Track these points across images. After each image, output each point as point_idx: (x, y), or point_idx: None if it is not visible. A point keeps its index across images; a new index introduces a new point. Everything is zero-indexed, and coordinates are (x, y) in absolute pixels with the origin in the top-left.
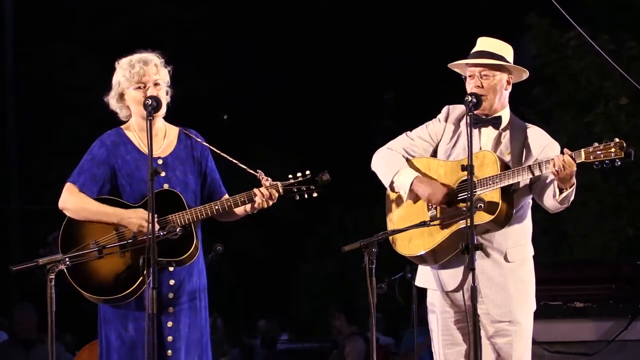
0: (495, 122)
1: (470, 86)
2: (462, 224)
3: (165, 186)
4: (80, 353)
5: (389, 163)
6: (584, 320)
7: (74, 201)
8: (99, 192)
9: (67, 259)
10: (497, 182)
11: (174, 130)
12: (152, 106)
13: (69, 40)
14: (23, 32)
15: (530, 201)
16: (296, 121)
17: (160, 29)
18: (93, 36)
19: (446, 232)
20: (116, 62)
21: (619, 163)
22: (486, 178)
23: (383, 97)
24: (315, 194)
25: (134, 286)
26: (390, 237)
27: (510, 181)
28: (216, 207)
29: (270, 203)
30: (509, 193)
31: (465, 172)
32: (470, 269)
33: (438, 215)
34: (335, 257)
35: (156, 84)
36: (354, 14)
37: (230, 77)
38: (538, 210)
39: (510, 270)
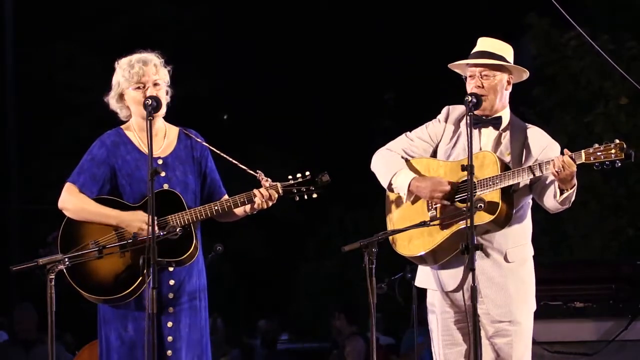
0: (496, 122)
1: (470, 86)
2: (462, 225)
3: (165, 186)
4: (80, 353)
5: (388, 164)
6: (584, 320)
7: (73, 202)
8: (99, 192)
9: (66, 259)
10: (497, 183)
11: (174, 130)
12: (152, 106)
13: (69, 40)
14: (23, 32)
15: (531, 201)
16: (296, 121)
17: (160, 29)
18: (93, 36)
19: (446, 233)
20: (116, 63)
21: (619, 164)
22: (486, 179)
23: (383, 97)
24: (314, 195)
25: (134, 286)
26: (390, 238)
27: (511, 182)
28: (216, 208)
29: (270, 204)
30: (509, 193)
31: (465, 173)
32: (470, 269)
33: (438, 216)
34: (335, 257)
35: (156, 84)
36: (354, 14)
37: (230, 77)
38: (538, 211)
39: (510, 270)
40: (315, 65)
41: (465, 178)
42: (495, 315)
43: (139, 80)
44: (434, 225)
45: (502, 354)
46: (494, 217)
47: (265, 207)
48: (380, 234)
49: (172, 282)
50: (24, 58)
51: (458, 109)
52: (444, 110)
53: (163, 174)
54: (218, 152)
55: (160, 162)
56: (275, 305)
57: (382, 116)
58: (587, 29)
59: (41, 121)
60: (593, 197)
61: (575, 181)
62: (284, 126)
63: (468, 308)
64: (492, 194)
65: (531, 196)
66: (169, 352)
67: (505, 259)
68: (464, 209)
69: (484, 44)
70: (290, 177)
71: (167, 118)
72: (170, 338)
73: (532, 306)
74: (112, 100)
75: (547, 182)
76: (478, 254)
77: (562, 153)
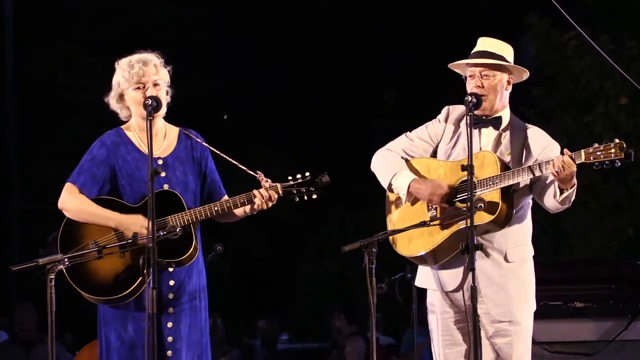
0: (496, 122)
1: (470, 86)
2: (462, 225)
3: (165, 187)
4: (80, 353)
5: (388, 164)
6: (584, 320)
7: (73, 202)
8: (99, 192)
9: (66, 259)
10: (497, 183)
11: (174, 131)
12: (152, 106)
13: (69, 40)
14: (23, 32)
15: (531, 201)
16: (296, 121)
17: (160, 29)
18: (93, 36)
19: (446, 233)
20: (116, 63)
21: (619, 164)
22: (486, 178)
23: (383, 97)
24: (314, 196)
25: (134, 286)
26: (391, 238)
27: (511, 182)
28: (215, 209)
29: (270, 205)
30: (509, 193)
31: (465, 173)
32: (470, 269)
33: (438, 216)
34: (335, 257)
35: (155, 84)
36: (354, 14)
37: (230, 77)
38: (538, 210)
39: (510, 270)
40: (315, 65)
41: (465, 178)
42: (495, 315)
43: (139, 80)
44: (434, 225)
45: (502, 354)
46: (494, 217)
47: (265, 208)
48: (380, 234)
49: (172, 282)
50: (24, 58)
51: (458, 109)
52: (444, 110)
53: (163, 174)
54: (218, 152)
55: (160, 162)
56: (275, 305)
57: (382, 116)
58: (587, 29)
59: (41, 121)
60: (593, 197)
61: (575, 181)
62: (284, 126)
63: (468, 308)
64: (492, 194)
65: (531, 196)
66: (169, 353)
67: (506, 259)
68: (464, 209)
69: (484, 44)
70: (290, 177)
71: (167, 118)
72: (170, 338)
73: (532, 306)
74: (112, 101)
75: (547, 182)
76: (478, 254)
77: (562, 153)
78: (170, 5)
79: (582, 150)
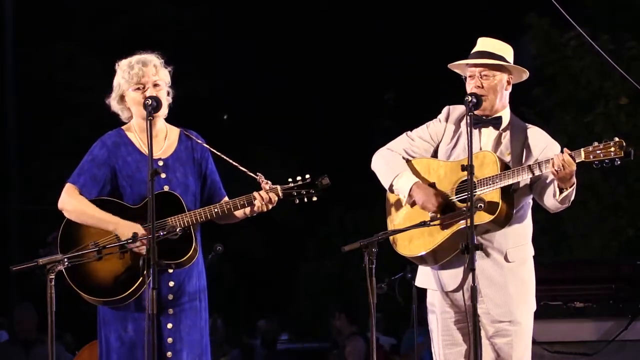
0: (496, 122)
1: (470, 86)
2: (462, 224)
3: (166, 188)
4: (80, 353)
5: (389, 165)
6: (584, 320)
7: (73, 203)
8: (99, 193)
9: (66, 260)
10: (497, 182)
11: (174, 132)
12: (152, 106)
13: (69, 40)
14: (23, 32)
15: (531, 201)
16: (296, 121)
17: (160, 29)
18: (93, 36)
19: (446, 233)
20: (116, 64)
21: (619, 162)
22: (486, 178)
23: (383, 97)
24: (314, 198)
25: (133, 287)
26: (391, 238)
27: (510, 181)
28: (215, 210)
29: (270, 207)
30: (509, 193)
31: (465, 172)
32: (470, 269)
33: (438, 216)
34: (335, 257)
35: (155, 85)
36: (354, 14)
37: (230, 77)
38: (538, 210)
39: (510, 270)
40: (315, 65)
41: (465, 178)
42: (495, 315)
43: (139, 81)
44: (434, 225)
45: (502, 354)
46: (494, 216)
47: (265, 210)
48: (380, 234)
49: (171, 283)
50: (24, 58)
51: (458, 109)
52: (445, 110)
53: (163, 175)
54: (218, 153)
55: (160, 163)
56: (275, 305)
57: (382, 116)
58: (587, 29)
59: (41, 121)
60: (593, 197)
61: (574, 180)
62: (284, 126)
63: (468, 308)
64: (492, 194)
65: (531, 196)
66: (169, 354)
67: (506, 259)
68: (464, 208)
69: (484, 44)
70: (290, 180)
71: (167, 118)
72: (170, 339)
73: (532, 306)
74: (113, 102)
75: (547, 181)
76: (478, 254)
77: (561, 152)
78: (170, 5)
79: (582, 149)
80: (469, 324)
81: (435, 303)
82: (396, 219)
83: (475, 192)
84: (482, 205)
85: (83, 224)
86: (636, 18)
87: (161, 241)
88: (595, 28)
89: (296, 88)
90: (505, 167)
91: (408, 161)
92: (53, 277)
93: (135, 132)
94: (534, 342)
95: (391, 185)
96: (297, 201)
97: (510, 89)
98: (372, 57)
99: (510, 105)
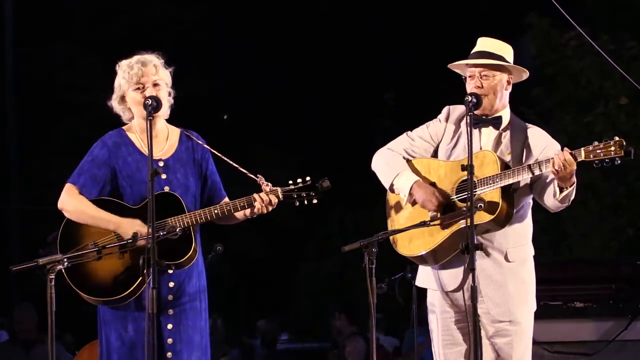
0: (496, 122)
1: (470, 86)
2: (462, 224)
3: (166, 189)
4: (80, 353)
5: (389, 164)
6: (584, 320)
7: (73, 203)
8: (99, 193)
9: (66, 260)
10: (497, 182)
11: (175, 132)
12: (152, 106)
13: (69, 40)
14: (23, 32)
15: (531, 201)
16: (296, 121)
17: (160, 29)
18: (93, 36)
19: (447, 232)
20: (117, 65)
21: (619, 162)
22: (486, 178)
23: (383, 97)
24: (315, 201)
25: (133, 287)
26: (391, 238)
27: (510, 180)
28: (215, 212)
29: (270, 209)
30: (509, 193)
31: (466, 172)
32: (471, 269)
33: (438, 216)
34: (335, 257)
35: (155, 85)
36: (354, 14)
37: (230, 77)
38: (538, 210)
39: (510, 270)
40: (315, 65)
41: (466, 177)
42: (495, 315)
43: (138, 80)
44: (434, 225)
45: (502, 354)
46: (494, 216)
47: (265, 211)
48: (380, 234)
49: (171, 284)
50: (24, 58)
51: (458, 109)
52: (445, 110)
53: (164, 175)
54: (219, 154)
55: (161, 164)
56: (275, 305)
57: (382, 116)
58: (587, 29)
59: (41, 121)
60: (593, 196)
61: (574, 179)
62: (284, 126)
63: (468, 308)
64: (492, 194)
65: (532, 196)
66: (169, 354)
67: (506, 259)
68: (464, 208)
69: (484, 44)
70: (290, 182)
71: (167, 118)
72: (170, 340)
73: (533, 306)
74: (114, 103)
75: (547, 181)
76: (478, 254)
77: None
78: (170, 5)
79: (582, 149)
80: (469, 323)
81: (435, 303)
82: (396, 219)
83: (476, 191)
84: (482, 205)
85: (83, 224)
86: (636, 18)
87: (161, 241)
88: (595, 28)
89: (296, 88)
90: (505, 166)
91: (408, 161)
92: (53, 277)
93: (136, 133)
94: (534, 342)
95: (391, 185)
96: (297, 203)
97: (510, 88)
98: (372, 57)
99: (510, 105)
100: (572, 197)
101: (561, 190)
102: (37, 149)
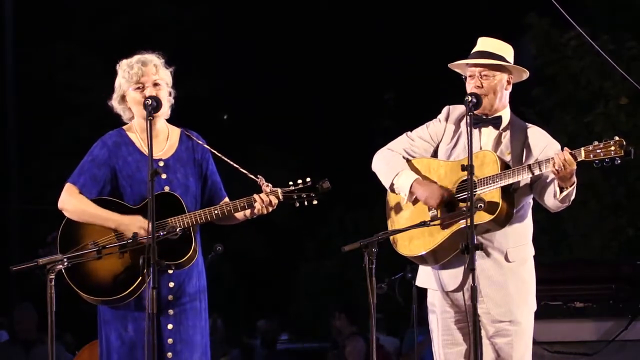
0: (496, 122)
1: (470, 86)
2: (462, 224)
3: (166, 189)
4: (80, 353)
5: (389, 164)
6: (584, 320)
7: (73, 203)
8: (100, 193)
9: (65, 260)
10: (497, 182)
11: (175, 132)
12: (152, 106)
13: (69, 40)
14: (23, 32)
15: (531, 201)
16: (296, 121)
17: (160, 29)
18: (93, 36)
19: (447, 232)
20: (117, 65)
21: (619, 161)
22: (486, 177)
23: (383, 97)
24: (315, 202)
25: (133, 287)
26: (391, 238)
27: (510, 180)
28: (216, 212)
29: (270, 209)
30: (509, 193)
31: (466, 172)
32: (471, 269)
33: (438, 216)
34: (335, 257)
35: (155, 84)
36: (354, 14)
37: (230, 77)
38: (538, 210)
39: (510, 270)
40: (315, 65)
41: (466, 177)
42: (495, 315)
43: (138, 80)
44: (434, 225)
45: (502, 354)
46: (494, 216)
47: (265, 212)
48: (380, 234)
49: (171, 284)
50: (24, 58)
51: (458, 109)
52: (445, 110)
53: (164, 175)
54: (219, 154)
55: (161, 164)
56: (275, 305)
57: (382, 116)
58: (587, 29)
59: (41, 121)
60: (593, 196)
61: (574, 179)
62: (284, 126)
63: (468, 308)
64: (492, 194)
65: (532, 196)
66: (169, 355)
67: (506, 259)
68: (464, 208)
69: (484, 43)
70: (290, 183)
71: (168, 118)
72: (170, 340)
73: (533, 306)
74: (115, 103)
75: (547, 180)
76: (479, 254)
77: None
78: (170, 5)
79: (582, 148)
80: (469, 323)
81: (435, 303)
82: (396, 220)
83: (476, 191)
84: (482, 205)
85: (83, 224)
86: (636, 18)
87: (161, 242)
88: (595, 28)
89: (296, 88)
90: (505, 166)
91: (408, 161)
92: (53, 277)
93: (136, 132)
94: (534, 342)
95: (392, 184)
96: (298, 204)
97: (510, 88)
98: (372, 57)
99: (510, 105)
100: (573, 197)
101: (561, 190)
102: (37, 149)
